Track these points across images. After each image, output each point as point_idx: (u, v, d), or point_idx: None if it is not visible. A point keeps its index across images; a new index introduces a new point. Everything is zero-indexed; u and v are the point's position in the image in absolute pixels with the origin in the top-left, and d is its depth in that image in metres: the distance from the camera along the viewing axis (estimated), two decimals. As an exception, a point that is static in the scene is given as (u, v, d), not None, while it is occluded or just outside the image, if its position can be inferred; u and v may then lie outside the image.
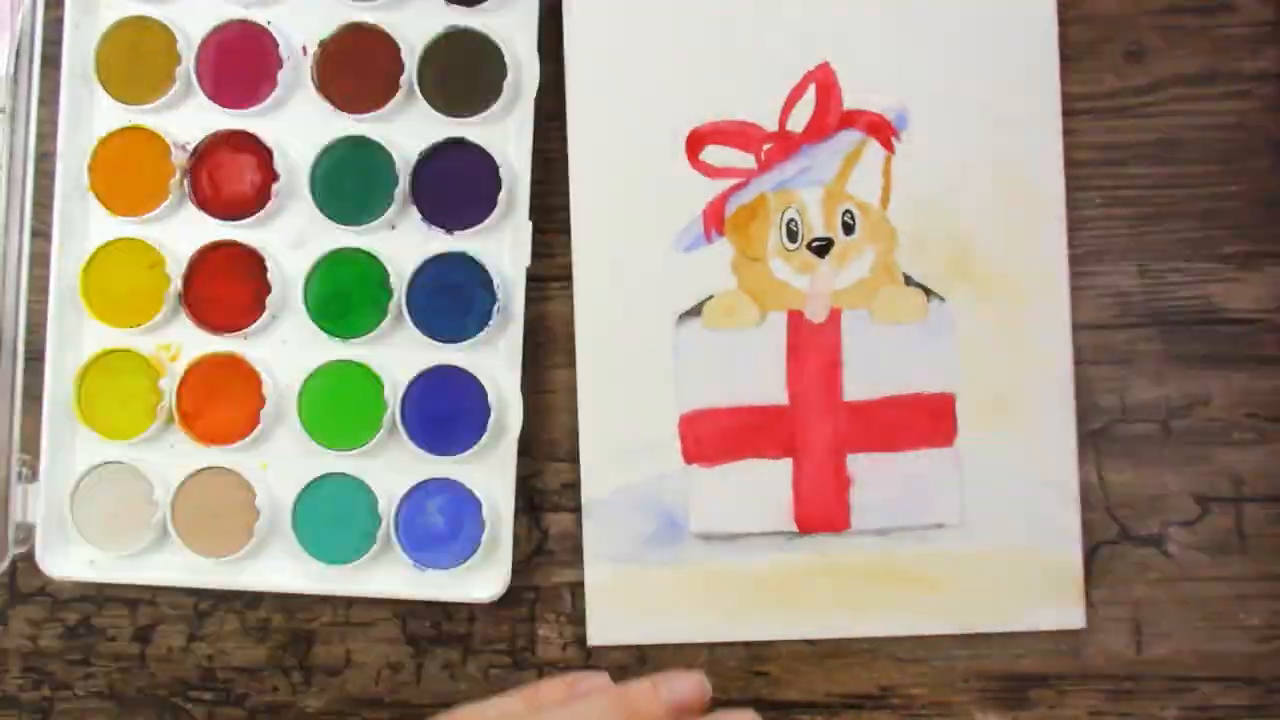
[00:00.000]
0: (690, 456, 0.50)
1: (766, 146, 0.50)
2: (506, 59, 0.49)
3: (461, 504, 0.50)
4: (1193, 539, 0.50)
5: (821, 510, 0.50)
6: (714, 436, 0.50)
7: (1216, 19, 0.50)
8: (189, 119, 0.51)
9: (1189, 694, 0.50)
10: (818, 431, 0.50)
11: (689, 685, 0.46)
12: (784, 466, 0.50)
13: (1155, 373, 0.50)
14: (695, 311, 0.50)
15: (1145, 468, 0.50)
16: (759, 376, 0.50)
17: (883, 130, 0.50)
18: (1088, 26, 0.50)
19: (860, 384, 0.50)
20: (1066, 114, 0.50)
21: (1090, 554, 0.50)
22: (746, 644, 0.51)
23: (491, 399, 0.49)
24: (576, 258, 0.50)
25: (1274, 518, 0.50)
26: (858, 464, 0.50)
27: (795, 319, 0.50)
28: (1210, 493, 0.50)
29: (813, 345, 0.50)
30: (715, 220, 0.50)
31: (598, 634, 0.50)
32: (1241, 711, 0.49)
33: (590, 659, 0.51)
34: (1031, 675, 0.50)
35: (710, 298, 0.50)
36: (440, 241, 0.50)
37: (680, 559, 0.50)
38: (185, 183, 0.50)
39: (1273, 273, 0.50)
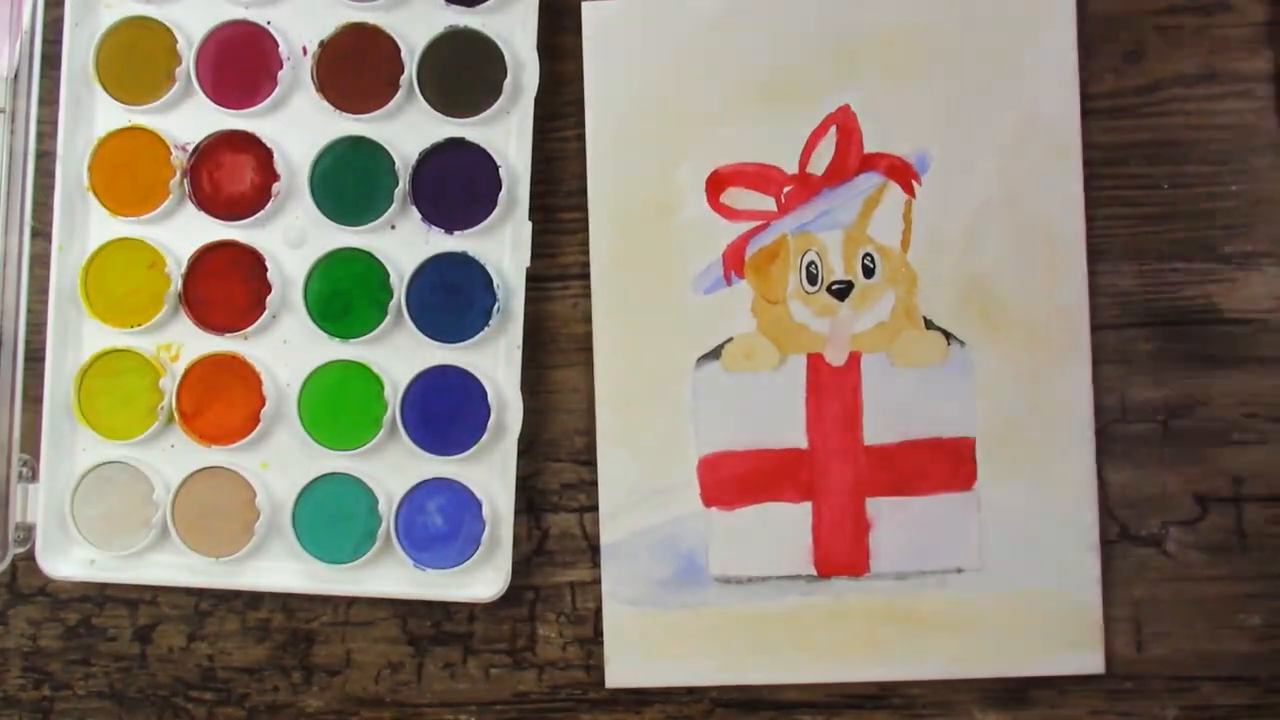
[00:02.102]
0: (709, 499, 0.50)
1: (787, 189, 0.50)
2: (506, 59, 0.49)
3: (461, 504, 0.50)
4: (1193, 539, 0.50)
5: (841, 554, 0.50)
6: (733, 479, 0.50)
7: (1216, 19, 0.50)
8: (189, 119, 0.51)
9: (1189, 694, 0.50)
10: (837, 475, 0.50)
11: None
12: (803, 510, 0.50)
13: (1155, 373, 0.50)
14: (714, 354, 0.50)
15: (1145, 468, 0.50)
16: (778, 419, 0.50)
17: (903, 174, 0.50)
18: (1088, 26, 0.50)
19: (880, 427, 0.50)
20: (1066, 114, 0.50)
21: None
22: (746, 644, 0.51)
23: (491, 399, 0.49)
24: (595, 300, 0.50)
25: (1274, 518, 0.50)
26: (877, 508, 0.50)
27: (815, 362, 0.50)
28: (1210, 493, 0.50)
29: (832, 388, 0.50)
30: (735, 263, 0.50)
31: (616, 676, 0.50)
32: (1241, 711, 0.49)
33: (590, 669, 0.51)
34: (1032, 675, 0.50)
35: (730, 340, 0.50)
36: (440, 241, 0.50)
37: (699, 602, 0.50)
38: (185, 183, 0.50)
39: (1273, 273, 0.50)
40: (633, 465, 0.50)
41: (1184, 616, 0.50)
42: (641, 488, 0.50)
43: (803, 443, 0.50)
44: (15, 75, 0.51)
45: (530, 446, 0.51)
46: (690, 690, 0.51)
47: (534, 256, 0.50)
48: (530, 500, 0.51)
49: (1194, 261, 0.50)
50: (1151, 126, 0.50)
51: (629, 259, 0.50)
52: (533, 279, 0.50)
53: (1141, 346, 0.50)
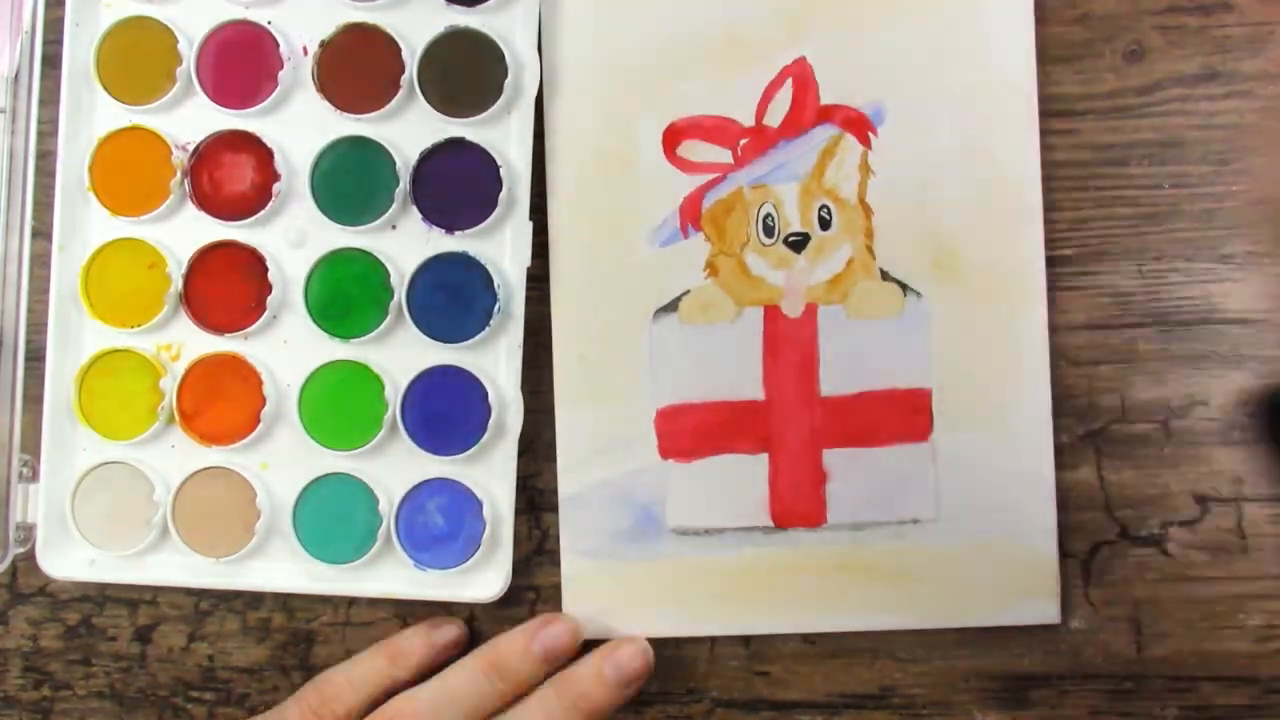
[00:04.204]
0: (666, 451, 0.50)
1: (743, 141, 0.50)
2: (506, 59, 0.49)
3: (461, 504, 0.50)
4: (1193, 539, 0.50)
5: (797, 505, 0.50)
6: (690, 431, 0.50)
7: (1216, 19, 0.50)
8: (189, 119, 0.51)
9: (1189, 694, 0.50)
10: (794, 427, 0.50)
11: (562, 633, 0.48)
12: (760, 462, 0.50)
13: (1155, 373, 0.50)
14: (671, 307, 0.50)
15: (1145, 468, 0.50)
16: (735, 372, 0.50)
17: (859, 125, 0.50)
18: (1088, 26, 0.50)
19: (836, 379, 0.50)
20: (1066, 114, 0.50)
21: (1090, 554, 0.50)
22: (747, 644, 0.51)
23: (491, 399, 0.49)
24: (553, 253, 0.50)
25: (1274, 518, 0.50)
26: (833, 459, 0.50)
27: (771, 314, 0.50)
28: (1210, 493, 0.50)
29: (789, 340, 0.50)
30: (691, 215, 0.50)
31: None
32: (1241, 711, 0.50)
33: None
34: (1031, 675, 0.50)
35: (686, 293, 0.50)
36: (440, 241, 0.50)
37: (656, 554, 0.50)
38: (185, 183, 0.50)
39: (1273, 273, 0.50)
40: (590, 417, 0.50)
41: (1184, 616, 0.50)
42: (599, 440, 0.50)
43: (759, 395, 0.50)
44: (15, 75, 0.51)
45: (530, 446, 0.51)
46: (690, 690, 0.51)
47: (534, 256, 0.50)
48: (530, 500, 0.51)
49: (1194, 261, 0.50)
50: (1151, 126, 0.50)
51: (585, 212, 0.50)
52: (533, 279, 0.50)
53: (1141, 346, 0.50)
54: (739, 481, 0.50)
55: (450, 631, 0.50)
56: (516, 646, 0.48)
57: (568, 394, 0.50)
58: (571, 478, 0.50)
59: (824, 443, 0.50)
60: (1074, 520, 0.50)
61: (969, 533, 0.49)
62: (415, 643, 0.49)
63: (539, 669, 0.48)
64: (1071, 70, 0.50)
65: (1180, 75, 0.50)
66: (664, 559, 0.50)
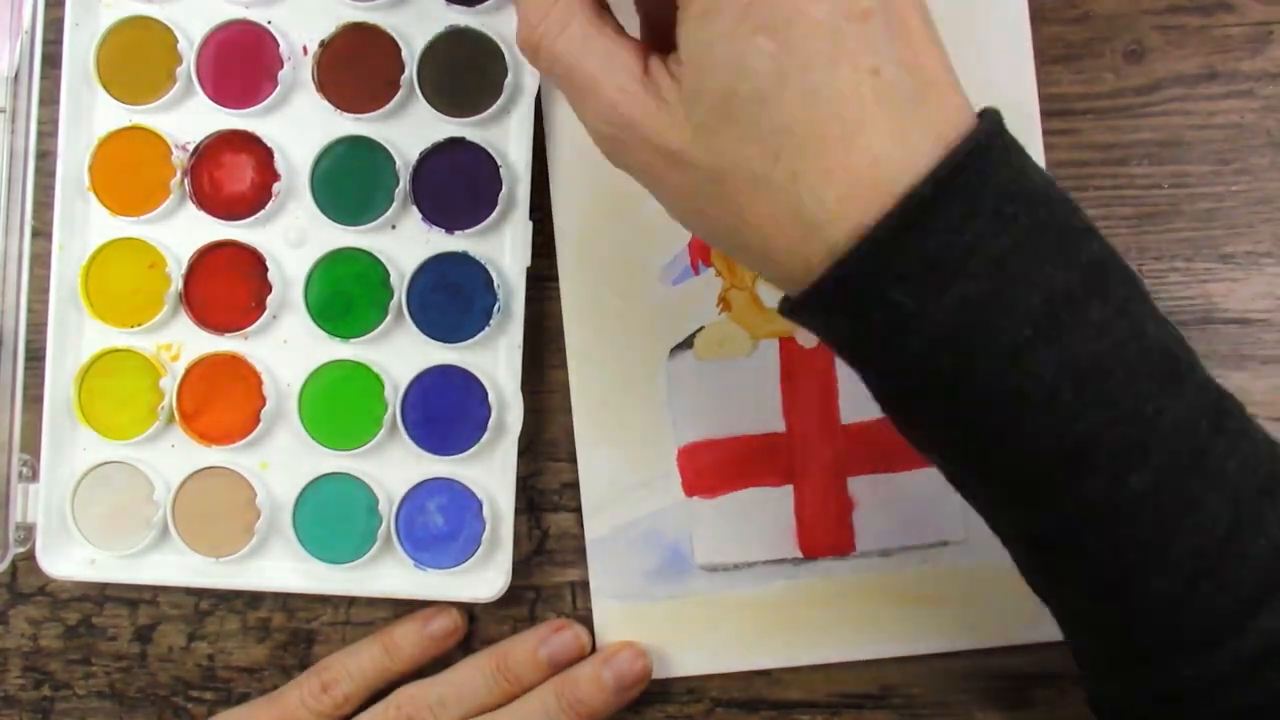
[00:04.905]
0: (691, 489, 0.50)
1: None
2: (506, 59, 0.49)
3: (461, 504, 0.50)
4: (1193, 539, 0.50)
5: (825, 535, 0.50)
6: (713, 467, 0.50)
7: (1216, 19, 0.50)
8: (189, 119, 0.51)
9: (1189, 694, 0.50)
10: (817, 456, 0.50)
11: (570, 641, 0.49)
12: (785, 493, 0.50)
13: (1155, 373, 0.50)
14: (687, 344, 0.50)
15: (1145, 467, 0.50)
16: (755, 405, 0.50)
17: None
18: (1088, 26, 0.50)
19: (857, 406, 0.50)
20: (1066, 114, 0.50)
21: (1090, 554, 0.50)
22: (747, 644, 0.51)
23: (491, 399, 0.49)
24: (565, 297, 0.50)
25: (1274, 517, 0.50)
26: (859, 486, 0.50)
27: (787, 345, 0.50)
28: (1210, 492, 0.50)
29: (806, 370, 0.50)
30: (701, 251, 0.50)
31: None
32: (1241, 711, 0.49)
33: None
34: (1031, 675, 0.50)
35: (701, 329, 0.50)
36: (440, 241, 0.50)
37: (686, 592, 0.50)
38: (185, 182, 0.50)
39: (1273, 273, 0.50)
40: (612, 460, 0.50)
41: (1184, 616, 0.50)
42: (622, 482, 0.50)
43: (780, 426, 0.50)
44: (15, 75, 0.51)
45: (530, 446, 0.51)
46: (690, 690, 0.51)
47: (534, 256, 0.50)
48: (530, 500, 0.51)
49: (1194, 261, 0.50)
50: (1151, 126, 0.50)
51: (595, 253, 0.50)
52: (533, 279, 0.50)
53: (1141, 346, 0.50)
54: (765, 514, 0.50)
55: (444, 623, 0.50)
56: (527, 650, 0.49)
57: (588, 437, 0.50)
58: (597, 521, 0.50)
59: (848, 470, 0.50)
60: (1074, 520, 0.50)
61: (999, 553, 0.49)
62: (410, 635, 0.50)
63: (544, 673, 0.49)
64: (1071, 70, 0.50)
65: (1180, 75, 0.50)
66: (694, 596, 0.50)
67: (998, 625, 0.49)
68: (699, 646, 0.50)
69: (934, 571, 0.49)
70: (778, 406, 0.50)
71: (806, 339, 0.50)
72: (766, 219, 0.34)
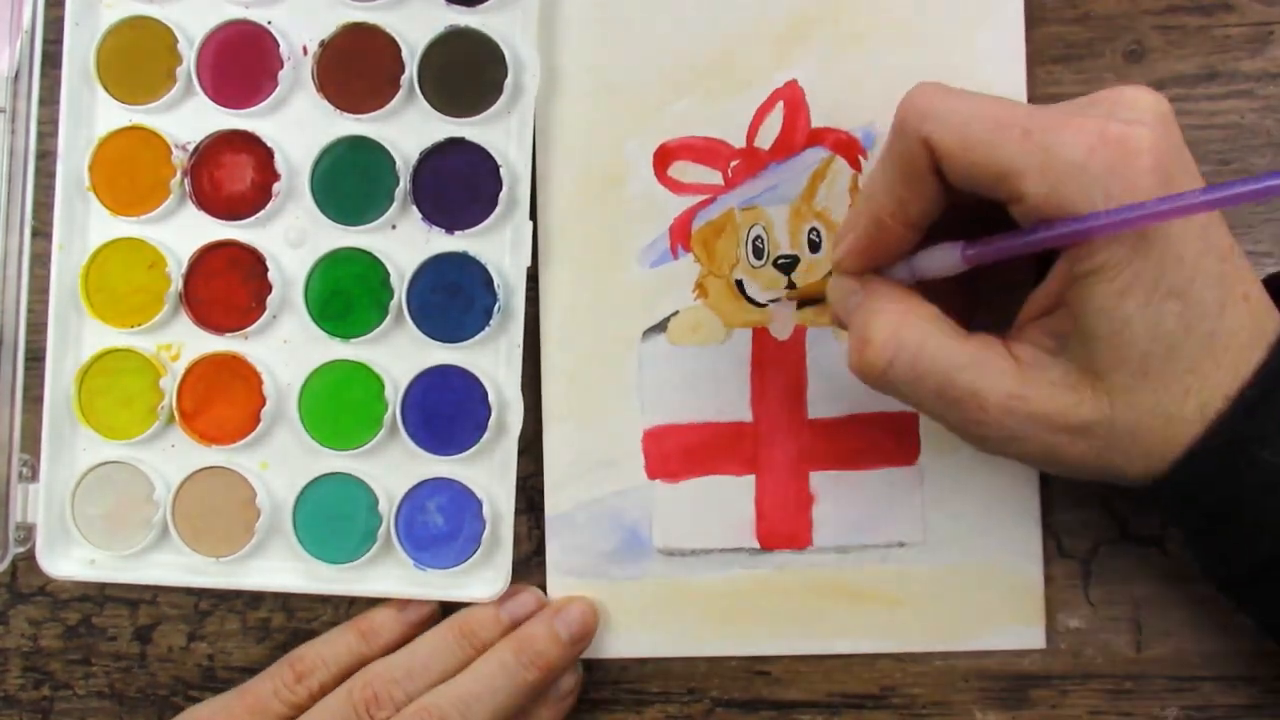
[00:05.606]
0: (654, 472, 0.50)
1: (734, 163, 0.50)
2: (506, 59, 0.49)
3: (461, 504, 0.50)
4: (1193, 539, 0.50)
5: (783, 527, 0.50)
6: (678, 452, 0.50)
7: (1216, 19, 0.50)
8: (189, 119, 0.51)
9: (1189, 693, 0.50)
10: (781, 448, 0.50)
11: (529, 601, 0.50)
12: (747, 483, 0.50)
13: (1155, 372, 0.50)
14: (660, 327, 0.50)
15: (1145, 467, 0.50)
16: (723, 393, 0.50)
17: (850, 149, 0.50)
18: (1088, 26, 0.50)
19: (824, 401, 0.50)
20: (1066, 114, 0.50)
21: (1090, 553, 0.50)
22: (747, 644, 0.51)
23: (491, 399, 0.49)
24: (543, 274, 0.50)
25: (1274, 517, 0.50)
26: (820, 481, 0.50)
27: (760, 335, 0.50)
28: (1210, 492, 0.50)
29: (777, 362, 0.50)
30: (681, 236, 0.50)
31: None
32: (1241, 711, 0.49)
33: (590, 667, 0.51)
34: (1031, 675, 0.50)
35: (676, 314, 0.50)
36: (440, 241, 0.50)
37: (643, 574, 0.50)
38: (185, 182, 0.50)
39: (1272, 273, 0.50)
40: (577, 437, 0.50)
41: (1184, 616, 0.50)
42: (586, 459, 0.50)
43: (748, 416, 0.50)
44: (15, 75, 0.51)
45: (530, 446, 0.51)
46: (690, 690, 0.51)
47: (534, 256, 0.50)
48: (530, 500, 0.51)
49: (1194, 261, 0.50)
50: (1151, 126, 0.50)
51: (575, 232, 0.50)
52: (533, 279, 0.50)
53: (1141, 346, 0.50)
54: (726, 502, 0.50)
55: (422, 610, 0.50)
56: (487, 615, 0.49)
57: (556, 412, 0.50)
58: (558, 496, 0.51)
59: (811, 465, 0.50)
60: (1074, 520, 0.50)
61: (955, 556, 0.49)
62: (387, 621, 0.50)
63: (503, 633, 0.49)
64: (1071, 70, 0.50)
65: (1180, 75, 0.50)
66: (650, 579, 0.50)
67: (952, 630, 0.49)
68: (651, 629, 0.50)
69: (891, 571, 0.50)
70: (746, 396, 0.50)
71: (780, 330, 0.50)
72: (1154, 437, 0.40)
